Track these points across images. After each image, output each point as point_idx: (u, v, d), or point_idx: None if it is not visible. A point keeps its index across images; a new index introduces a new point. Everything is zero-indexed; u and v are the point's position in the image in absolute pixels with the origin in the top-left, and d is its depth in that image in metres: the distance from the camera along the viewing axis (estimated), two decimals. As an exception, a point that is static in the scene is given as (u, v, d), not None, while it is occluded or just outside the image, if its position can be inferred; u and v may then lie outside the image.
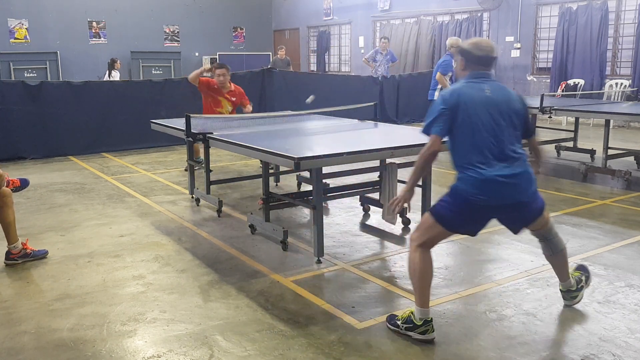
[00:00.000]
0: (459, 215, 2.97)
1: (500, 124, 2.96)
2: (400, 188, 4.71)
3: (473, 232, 3.13)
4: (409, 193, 3.06)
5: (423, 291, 3.04)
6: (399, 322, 3.08)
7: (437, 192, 6.02)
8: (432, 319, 3.03)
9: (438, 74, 8.63)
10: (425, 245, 3.04)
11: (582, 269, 3.47)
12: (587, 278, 3.44)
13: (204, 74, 7.23)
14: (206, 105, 7.19)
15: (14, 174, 7.48)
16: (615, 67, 12.02)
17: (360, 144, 4.58)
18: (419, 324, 3.00)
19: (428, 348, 2.95)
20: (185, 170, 7.05)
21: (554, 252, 3.27)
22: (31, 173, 7.56)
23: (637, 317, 3.25)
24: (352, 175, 5.41)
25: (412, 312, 3.06)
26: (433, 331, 3.01)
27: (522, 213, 3.04)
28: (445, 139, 3.02)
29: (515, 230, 3.19)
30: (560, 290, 3.40)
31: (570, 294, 3.35)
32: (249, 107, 7.21)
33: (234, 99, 7.15)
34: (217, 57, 18.99)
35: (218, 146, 4.99)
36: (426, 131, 3.02)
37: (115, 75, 13.48)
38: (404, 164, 4.86)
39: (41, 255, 4.33)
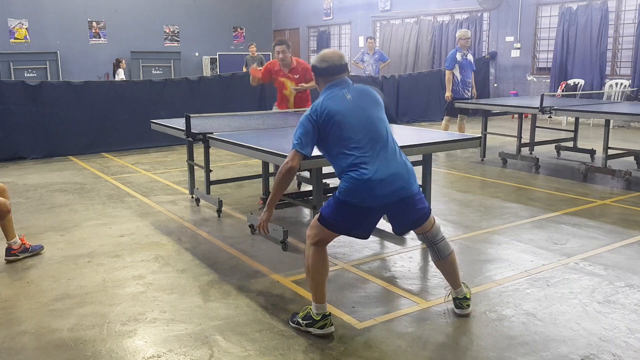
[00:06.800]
0: (341, 218, 3.03)
1: (370, 123, 3.04)
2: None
3: (360, 234, 3.16)
4: (269, 213, 3.15)
5: (317, 287, 3.10)
6: (299, 320, 3.14)
7: (438, 192, 6.05)
8: (330, 313, 3.10)
9: (447, 73, 8.61)
10: (318, 244, 3.11)
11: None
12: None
13: (255, 69, 6.55)
14: (278, 93, 6.61)
15: (13, 173, 7.49)
16: (615, 67, 12.03)
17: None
18: (317, 319, 3.07)
19: (427, 348, 2.95)
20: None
21: (441, 257, 3.23)
22: (31, 173, 7.57)
23: (637, 317, 3.25)
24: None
25: (310, 309, 3.12)
26: (331, 325, 3.08)
27: (408, 209, 3.07)
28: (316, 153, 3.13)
29: (400, 230, 3.28)
30: (453, 298, 3.32)
31: (466, 301, 3.30)
32: (312, 83, 6.27)
33: (297, 76, 6.40)
34: (217, 57, 19.01)
35: (218, 146, 4.98)
36: (295, 146, 3.03)
37: (120, 73, 13.62)
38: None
39: (38, 250, 4.40)
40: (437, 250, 3.22)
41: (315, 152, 4.10)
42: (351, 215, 3.02)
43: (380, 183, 2.93)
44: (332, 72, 3.14)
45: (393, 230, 3.29)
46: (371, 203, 2.96)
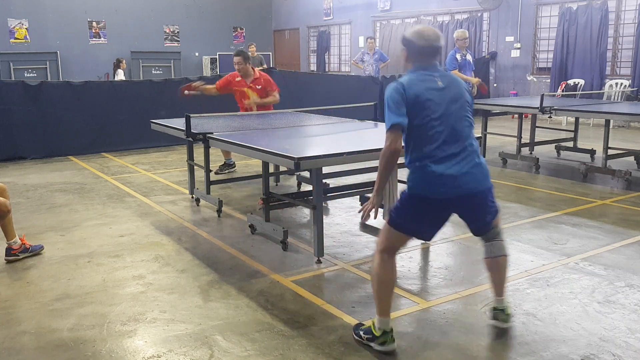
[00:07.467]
0: (409, 216, 2.89)
1: (455, 116, 2.86)
2: (401, 188, 4.73)
3: (426, 235, 3.05)
4: (378, 197, 2.92)
5: (382, 299, 2.92)
6: (361, 333, 3.00)
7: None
8: (392, 329, 2.93)
9: (453, 73, 8.63)
10: (386, 251, 2.94)
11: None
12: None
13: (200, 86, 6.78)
14: (238, 103, 7.01)
15: (13, 173, 7.49)
16: (615, 67, 12.03)
17: (360, 144, 4.58)
18: (377, 334, 2.90)
19: (427, 348, 2.95)
20: (216, 173, 7.06)
21: (493, 255, 3.06)
22: (31, 173, 7.57)
23: (637, 317, 3.25)
24: (352, 175, 5.41)
25: (373, 322, 2.95)
26: (393, 341, 2.91)
27: (479, 205, 2.93)
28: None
29: (477, 229, 3.08)
30: (493, 309, 3.15)
31: (503, 315, 3.11)
32: (272, 98, 6.81)
33: (259, 87, 6.75)
34: (217, 57, 19.01)
35: (218, 146, 4.98)
36: (392, 123, 2.78)
37: (120, 74, 13.64)
38: (404, 164, 4.85)
39: (38, 250, 4.40)
40: (491, 247, 3.06)
41: (314, 152, 4.11)
42: (420, 209, 2.87)
43: (450, 179, 2.79)
44: (427, 53, 2.91)
45: (471, 231, 3.11)
46: (440, 195, 2.81)
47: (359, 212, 3.03)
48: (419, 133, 2.84)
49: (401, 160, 2.97)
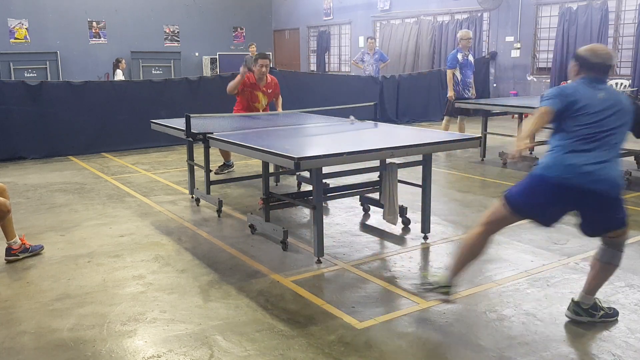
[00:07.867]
0: (530, 195, 3.03)
1: (606, 126, 3.00)
2: (401, 188, 4.73)
3: (543, 219, 3.13)
4: (525, 141, 3.00)
5: (459, 264, 3.22)
6: (430, 282, 3.32)
7: (438, 192, 6.05)
8: (451, 286, 3.25)
9: (448, 72, 8.61)
10: (488, 225, 3.14)
11: (613, 311, 3.26)
12: (606, 316, 3.21)
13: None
14: (242, 101, 6.89)
15: (13, 173, 7.49)
16: (615, 67, 12.02)
17: (360, 144, 4.58)
18: (444, 283, 3.24)
19: (428, 348, 2.95)
20: (216, 173, 7.05)
21: (606, 261, 3.16)
22: (31, 173, 7.57)
23: (637, 317, 3.25)
24: (352, 175, 5.41)
25: (445, 277, 3.26)
26: (449, 294, 3.25)
27: (601, 208, 3.03)
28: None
29: (591, 230, 3.17)
30: (572, 299, 3.25)
31: (578, 309, 3.20)
32: (280, 101, 6.99)
33: (269, 91, 6.83)
34: (217, 57, 19.01)
35: (218, 146, 4.98)
36: (543, 104, 3.07)
37: (119, 74, 13.64)
38: (404, 164, 4.85)
39: (38, 250, 4.40)
40: (607, 253, 3.16)
41: (314, 152, 4.11)
42: (541, 192, 3.01)
43: (575, 169, 2.93)
44: (598, 69, 3.10)
45: (582, 230, 3.18)
46: (559, 181, 2.95)
47: (510, 158, 3.12)
48: (570, 132, 3.02)
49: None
